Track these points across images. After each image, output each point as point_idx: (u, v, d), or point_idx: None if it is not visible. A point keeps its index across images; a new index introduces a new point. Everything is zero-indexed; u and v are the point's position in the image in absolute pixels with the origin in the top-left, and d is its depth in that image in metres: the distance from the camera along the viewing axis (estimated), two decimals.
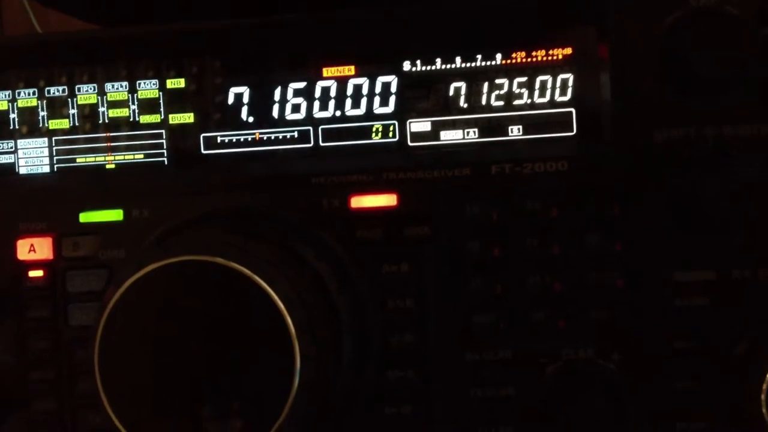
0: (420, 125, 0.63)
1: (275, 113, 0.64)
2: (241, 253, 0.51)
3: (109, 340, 0.51)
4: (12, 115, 0.66)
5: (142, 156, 0.65)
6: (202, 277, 0.50)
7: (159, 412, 0.50)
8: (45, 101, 0.66)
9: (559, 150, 0.60)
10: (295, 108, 0.64)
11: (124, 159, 0.65)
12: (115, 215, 0.63)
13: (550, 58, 0.62)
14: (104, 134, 0.65)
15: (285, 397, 0.49)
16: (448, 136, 0.63)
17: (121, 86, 0.65)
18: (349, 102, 0.63)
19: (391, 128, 0.63)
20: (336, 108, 0.63)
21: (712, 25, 0.57)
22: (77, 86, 0.65)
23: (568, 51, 0.62)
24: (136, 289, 0.50)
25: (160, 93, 0.65)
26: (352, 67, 0.63)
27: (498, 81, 0.62)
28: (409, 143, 0.63)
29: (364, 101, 0.63)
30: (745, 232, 0.58)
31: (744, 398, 0.56)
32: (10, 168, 0.66)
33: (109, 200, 0.63)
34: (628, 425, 0.57)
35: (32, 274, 0.63)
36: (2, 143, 0.66)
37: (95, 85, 0.65)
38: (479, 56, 0.62)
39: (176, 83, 0.64)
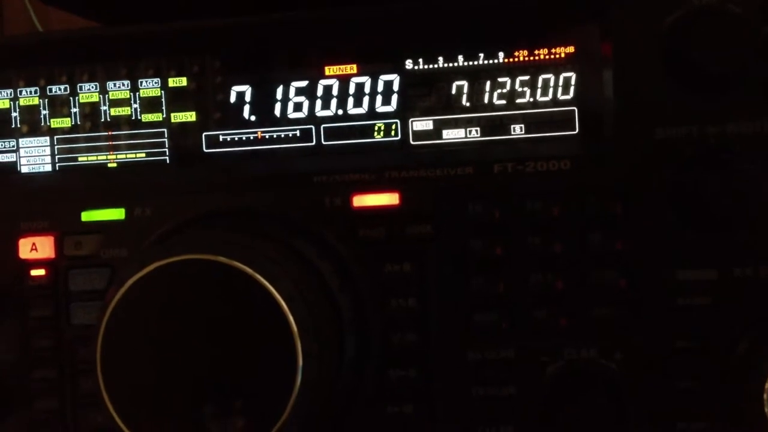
0: (422, 124, 0.63)
1: (277, 112, 0.64)
2: (243, 252, 0.51)
3: (111, 339, 0.51)
4: (14, 114, 0.66)
5: (143, 155, 0.65)
6: (204, 276, 0.50)
7: (161, 411, 0.50)
8: (46, 100, 0.66)
9: (562, 149, 0.60)
10: (297, 107, 0.64)
11: (125, 158, 0.65)
12: (116, 214, 0.63)
13: (552, 56, 0.62)
14: (106, 133, 0.65)
15: (287, 395, 0.49)
16: (451, 135, 0.63)
17: (123, 85, 0.65)
18: (351, 101, 0.63)
19: (394, 127, 0.63)
20: (338, 107, 0.63)
21: (713, 24, 0.57)
22: (79, 85, 0.65)
23: (571, 49, 0.61)
24: (138, 288, 0.50)
25: (162, 91, 0.65)
26: (354, 66, 0.63)
27: (500, 79, 0.62)
28: (412, 142, 0.63)
29: (366, 100, 0.63)
30: (747, 231, 0.58)
31: (745, 398, 0.56)
32: (12, 167, 0.66)
33: (111, 199, 0.63)
34: (628, 425, 0.57)
35: (34, 272, 0.63)
36: (4, 142, 0.66)
37: (97, 83, 0.65)
38: (481, 55, 0.62)
39: (178, 82, 0.64)
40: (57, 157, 0.66)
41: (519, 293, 0.60)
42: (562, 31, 0.62)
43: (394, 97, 0.63)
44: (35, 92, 0.66)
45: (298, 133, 0.64)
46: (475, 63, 0.62)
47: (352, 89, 0.63)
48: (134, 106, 0.65)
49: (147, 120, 0.65)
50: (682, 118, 0.59)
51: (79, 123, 0.66)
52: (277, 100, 0.64)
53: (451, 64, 0.63)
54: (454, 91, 0.62)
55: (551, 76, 0.62)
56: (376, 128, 0.63)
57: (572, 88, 0.62)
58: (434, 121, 0.63)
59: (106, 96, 0.65)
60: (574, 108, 0.62)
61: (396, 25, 0.63)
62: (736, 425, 0.58)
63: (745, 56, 0.56)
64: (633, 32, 0.59)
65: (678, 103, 0.59)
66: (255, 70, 0.64)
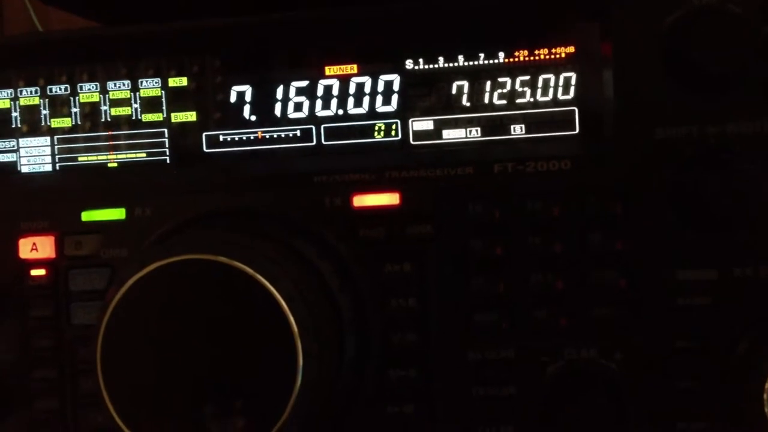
0: (422, 124, 0.63)
1: (277, 112, 0.64)
2: (243, 252, 0.51)
3: (112, 339, 0.51)
4: (14, 114, 0.66)
5: (144, 155, 0.65)
6: (205, 276, 0.50)
7: (161, 411, 0.50)
8: (47, 100, 0.66)
9: (562, 149, 0.60)
10: (298, 106, 0.64)
11: (126, 158, 0.65)
12: (117, 214, 0.63)
13: (552, 56, 0.62)
14: (106, 133, 0.65)
15: (287, 395, 0.49)
16: (451, 135, 0.63)
17: (123, 85, 0.65)
18: (351, 100, 0.63)
19: (394, 127, 0.63)
20: (338, 106, 0.63)
21: (713, 24, 0.57)
22: (79, 85, 0.65)
23: (571, 49, 0.61)
24: (138, 288, 0.50)
25: (162, 91, 0.65)
26: (355, 66, 0.63)
27: (500, 79, 0.62)
28: (412, 142, 0.63)
29: (366, 100, 0.63)
30: (747, 231, 0.58)
31: (745, 398, 0.56)
32: (12, 167, 0.66)
33: (111, 199, 0.63)
34: (628, 425, 0.57)
35: (34, 272, 0.63)
36: (4, 142, 0.66)
37: (97, 83, 0.65)
38: (482, 55, 0.62)
39: (178, 82, 0.64)
40: (57, 157, 0.66)
41: (519, 293, 0.60)
42: (562, 31, 0.62)
43: (395, 97, 0.63)
44: (35, 92, 0.66)
45: (298, 133, 0.64)
46: (476, 63, 0.62)
47: (352, 89, 0.63)
48: (134, 106, 0.65)
49: (147, 120, 0.65)
50: (682, 118, 0.59)
51: (79, 123, 0.66)
52: (277, 100, 0.64)
53: (451, 64, 0.63)
54: (454, 91, 0.62)
55: (551, 76, 0.62)
56: (377, 128, 0.63)
57: (572, 88, 0.62)
58: (434, 121, 0.63)
59: (107, 96, 0.65)
60: (574, 108, 0.62)
61: (396, 25, 0.63)
62: (736, 425, 0.58)
63: (745, 56, 0.56)
64: (633, 32, 0.59)
65: (678, 103, 0.59)
66: (255, 70, 0.64)
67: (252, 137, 0.64)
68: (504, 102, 0.62)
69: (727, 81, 0.58)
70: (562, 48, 0.62)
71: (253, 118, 0.64)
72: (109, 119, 0.65)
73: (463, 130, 0.63)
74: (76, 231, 0.63)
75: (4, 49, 0.67)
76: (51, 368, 0.63)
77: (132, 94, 0.65)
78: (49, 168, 0.66)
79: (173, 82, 0.64)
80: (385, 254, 0.60)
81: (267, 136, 0.64)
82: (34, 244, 0.63)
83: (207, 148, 0.65)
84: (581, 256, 0.59)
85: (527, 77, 0.62)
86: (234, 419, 0.49)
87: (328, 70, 0.63)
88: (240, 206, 0.62)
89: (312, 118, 0.64)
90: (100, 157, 0.65)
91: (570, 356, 0.59)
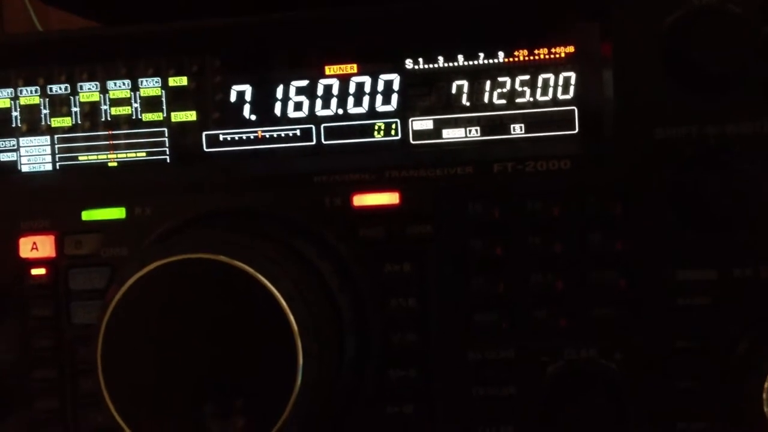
0: (422, 123, 0.63)
1: (277, 111, 0.64)
2: (243, 252, 0.51)
3: (112, 339, 0.51)
4: (14, 113, 0.66)
5: (144, 154, 0.65)
6: (205, 276, 0.50)
7: (161, 410, 0.50)
8: (47, 99, 0.66)
9: (562, 148, 0.60)
10: (298, 106, 0.64)
11: (126, 157, 0.65)
12: (117, 213, 0.63)
13: (552, 56, 0.62)
14: (106, 132, 0.65)
15: (287, 395, 0.49)
16: (451, 135, 0.63)
17: (123, 84, 0.65)
18: (351, 100, 0.63)
19: (394, 126, 0.63)
20: (338, 106, 0.63)
21: (713, 24, 0.57)
22: (79, 84, 0.65)
23: (571, 49, 0.61)
24: (138, 288, 0.50)
25: (163, 91, 0.65)
26: (355, 65, 0.63)
27: (500, 79, 0.62)
28: (412, 141, 0.63)
29: (366, 99, 0.63)
30: (747, 231, 0.58)
31: (745, 398, 0.56)
32: (13, 166, 0.66)
33: (112, 198, 0.63)
34: (628, 425, 0.57)
35: (34, 272, 0.63)
36: (4, 141, 0.66)
37: (97, 83, 0.65)
38: (481, 54, 0.62)
39: (178, 81, 0.64)
40: (57, 156, 0.66)
41: (519, 293, 0.60)
42: (562, 31, 0.62)
43: (394, 97, 0.63)
44: (35, 91, 0.66)
45: (298, 132, 0.64)
46: (475, 63, 0.62)
47: (352, 89, 0.63)
48: (134, 105, 0.65)
49: (147, 119, 0.65)
50: (682, 118, 0.59)
51: (79, 122, 0.66)
52: (277, 100, 0.64)
53: (451, 64, 0.63)
54: (454, 91, 0.63)
55: (551, 76, 0.62)
56: (377, 128, 0.63)
57: (572, 88, 0.62)
58: (434, 120, 0.63)
59: (107, 95, 0.65)
60: (574, 108, 0.62)
61: (396, 25, 0.63)
62: (736, 425, 0.58)
63: (745, 56, 0.56)
64: (633, 32, 0.59)
65: (678, 103, 0.59)
66: (255, 70, 0.64)
67: (252, 137, 0.64)
68: (504, 102, 0.62)
69: (727, 81, 0.58)
70: (562, 48, 0.62)
71: (253, 117, 0.64)
72: (109, 119, 0.65)
73: (463, 130, 0.63)
74: (77, 230, 0.63)
75: (4, 48, 0.67)
76: (51, 368, 0.63)
77: (132, 93, 0.65)
78: (49, 167, 0.66)
79: (173, 81, 0.64)
80: (385, 254, 0.60)
81: (267, 136, 0.64)
82: (35, 243, 0.63)
83: (207, 148, 0.65)
84: (581, 256, 0.59)
85: (527, 77, 0.62)
86: (234, 419, 0.49)
87: (328, 70, 0.63)
88: (240, 206, 0.62)
89: (312, 117, 0.64)
90: (100, 157, 0.65)
91: (570, 356, 0.59)
